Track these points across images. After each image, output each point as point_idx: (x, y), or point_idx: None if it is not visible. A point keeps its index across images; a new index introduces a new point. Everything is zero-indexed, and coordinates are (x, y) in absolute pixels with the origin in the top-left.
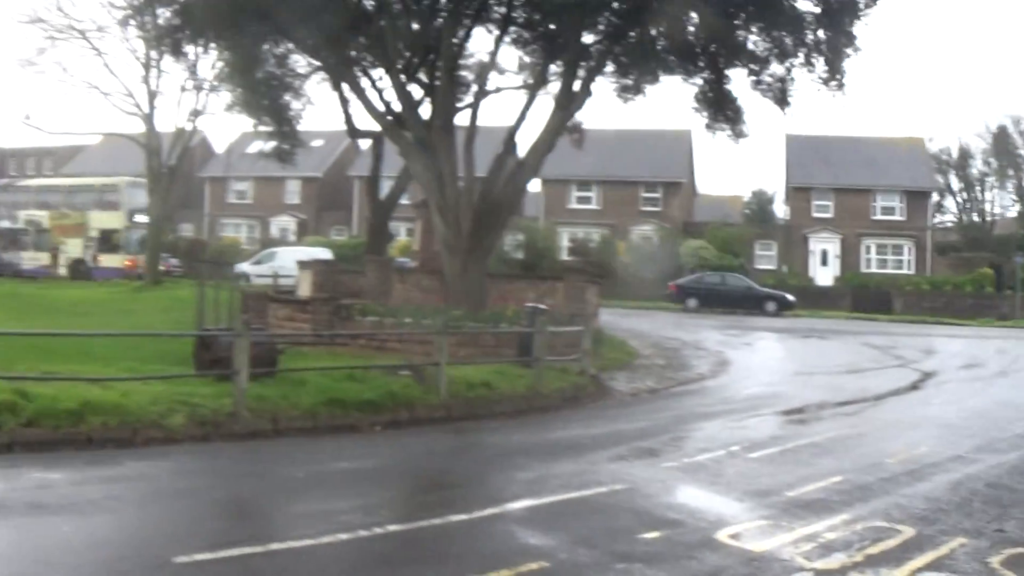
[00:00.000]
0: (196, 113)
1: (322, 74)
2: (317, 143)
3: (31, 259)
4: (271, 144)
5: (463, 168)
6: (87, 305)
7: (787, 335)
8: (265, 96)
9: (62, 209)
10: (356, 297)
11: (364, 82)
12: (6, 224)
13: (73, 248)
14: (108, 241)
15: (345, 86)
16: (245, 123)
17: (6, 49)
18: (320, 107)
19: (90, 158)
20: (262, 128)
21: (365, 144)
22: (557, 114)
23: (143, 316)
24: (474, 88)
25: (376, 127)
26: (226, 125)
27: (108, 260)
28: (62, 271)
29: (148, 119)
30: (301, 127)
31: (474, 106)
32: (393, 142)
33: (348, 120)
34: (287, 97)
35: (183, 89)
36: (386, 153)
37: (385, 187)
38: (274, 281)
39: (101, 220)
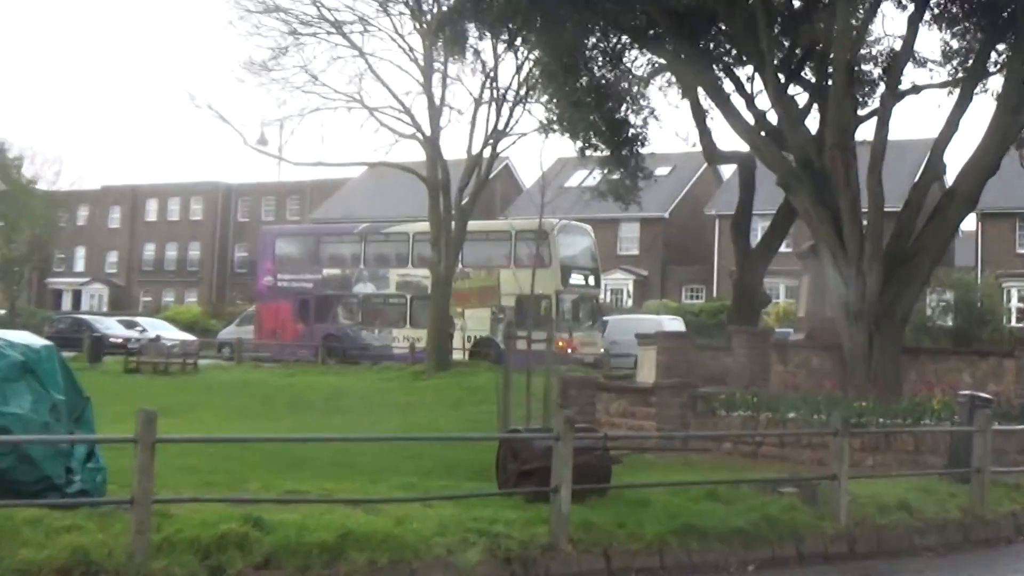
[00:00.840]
0: (497, 134)
1: (667, 76)
2: (661, 171)
3: (406, 337)
4: (605, 176)
5: (867, 201)
6: (349, 398)
7: None
8: (593, 108)
9: (458, 267)
10: (718, 383)
11: (727, 85)
12: (368, 289)
13: (475, 323)
14: (530, 312)
15: (700, 91)
16: (564, 147)
17: (235, 54)
18: (664, 122)
19: (351, 195)
20: (590, 153)
21: (728, 171)
22: (1001, 120)
23: (425, 413)
24: (881, 88)
25: (744, 147)
26: (538, 151)
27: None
28: (456, 355)
29: (431, 143)
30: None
31: (882, 113)
32: (769, 167)
33: (705, 138)
34: (623, 110)
35: (478, 102)
36: (759, 182)
37: (758, 230)
38: (604, 361)
39: (519, 282)
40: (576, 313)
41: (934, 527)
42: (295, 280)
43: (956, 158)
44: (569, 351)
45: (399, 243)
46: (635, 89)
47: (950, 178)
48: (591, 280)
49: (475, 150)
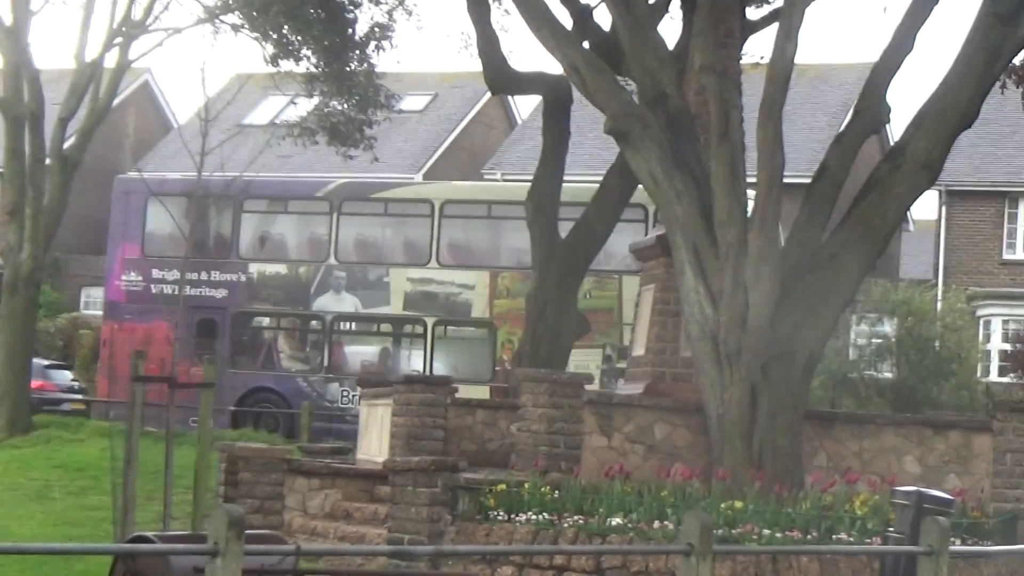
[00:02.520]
0: (129, 29)
1: None
2: (413, 103)
3: None
4: (320, 105)
5: (757, 164)
6: None
7: None
8: None
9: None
10: (496, 465)
11: None
12: (344, 304)
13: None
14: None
15: None
16: (248, 56)
17: None
18: (423, 19)
19: None
20: (290, 65)
21: (526, 108)
22: (984, 35)
23: None
24: None
25: (553, 67)
26: (200, 60)
27: None
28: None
29: (14, 39)
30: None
31: (788, 15)
32: (593, 102)
33: (488, 50)
34: None
35: None
36: (578, 128)
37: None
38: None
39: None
40: None
41: None
42: (187, 283)
43: (908, 97)
44: None
45: (413, 219)
46: None
47: (896, 130)
48: None
49: (90, 56)
